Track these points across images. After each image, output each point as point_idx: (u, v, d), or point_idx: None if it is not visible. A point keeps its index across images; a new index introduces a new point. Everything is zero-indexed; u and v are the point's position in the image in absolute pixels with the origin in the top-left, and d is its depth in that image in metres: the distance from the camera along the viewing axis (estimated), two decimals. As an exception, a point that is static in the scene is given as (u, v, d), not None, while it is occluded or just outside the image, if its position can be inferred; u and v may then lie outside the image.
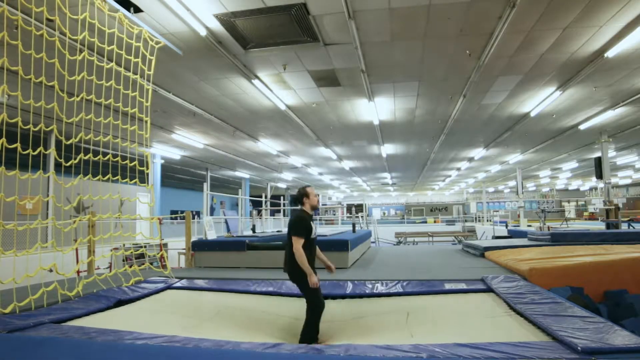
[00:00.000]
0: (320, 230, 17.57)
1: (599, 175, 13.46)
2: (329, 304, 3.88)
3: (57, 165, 10.83)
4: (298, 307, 4.07)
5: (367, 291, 4.45)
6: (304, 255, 3.38)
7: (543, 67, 7.90)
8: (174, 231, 14.87)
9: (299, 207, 3.75)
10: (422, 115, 11.54)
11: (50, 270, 3.86)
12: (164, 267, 6.81)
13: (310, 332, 3.41)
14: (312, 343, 3.34)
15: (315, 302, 3.45)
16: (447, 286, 4.44)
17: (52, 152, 8.43)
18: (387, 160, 19.76)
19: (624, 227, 12.16)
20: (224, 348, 2.43)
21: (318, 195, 3.84)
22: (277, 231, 12.41)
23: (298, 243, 3.41)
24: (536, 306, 3.21)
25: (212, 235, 7.60)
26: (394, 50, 7.06)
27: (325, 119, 11.72)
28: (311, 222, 3.59)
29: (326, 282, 4.69)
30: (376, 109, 10.57)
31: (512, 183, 31.52)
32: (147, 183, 5.42)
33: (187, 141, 13.95)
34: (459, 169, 23.90)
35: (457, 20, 6.04)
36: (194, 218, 11.43)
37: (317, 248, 3.79)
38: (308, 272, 3.37)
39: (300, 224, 3.51)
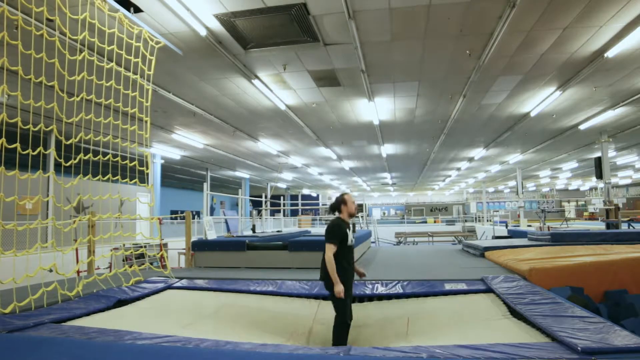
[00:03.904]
0: (320, 230, 17.54)
1: (599, 175, 13.46)
2: (329, 306, 3.89)
3: (57, 165, 10.84)
4: (298, 306, 4.07)
5: (367, 292, 4.45)
6: (334, 263, 3.38)
7: (543, 67, 7.90)
8: (174, 231, 14.86)
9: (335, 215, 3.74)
10: (422, 115, 11.53)
11: (50, 270, 3.86)
12: (164, 267, 6.80)
13: (337, 345, 3.40)
14: None
15: (341, 312, 3.44)
16: (447, 286, 4.44)
17: (52, 152, 8.44)
18: (387, 160, 19.76)
19: (624, 227, 12.17)
20: (223, 348, 2.43)
21: (355, 202, 3.81)
22: (277, 231, 12.42)
23: (330, 250, 3.42)
24: (536, 306, 3.21)
25: (212, 235, 7.60)
26: (394, 50, 7.05)
27: (325, 119, 11.72)
28: (347, 230, 3.58)
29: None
30: (376, 109, 10.57)
31: (512, 183, 31.53)
32: (147, 183, 5.42)
33: (187, 141, 13.95)
34: (459, 169, 23.90)
35: (457, 20, 6.04)
36: (194, 218, 11.43)
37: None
38: (335, 281, 3.36)
39: (336, 231, 3.51)
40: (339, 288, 3.34)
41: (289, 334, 3.52)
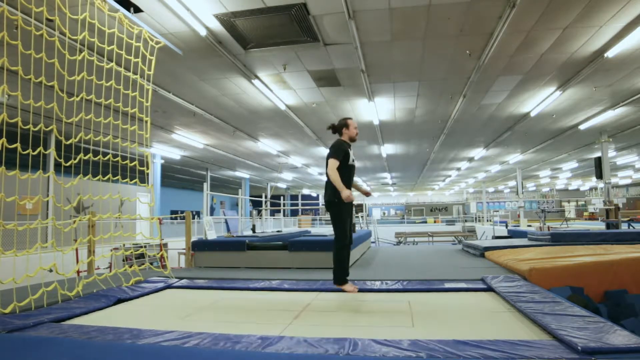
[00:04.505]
0: (320, 230, 17.54)
1: (599, 175, 13.47)
2: (328, 296, 3.89)
3: (57, 165, 10.84)
4: (296, 297, 4.08)
5: (366, 288, 4.45)
6: (337, 174, 3.46)
7: (543, 67, 7.90)
8: (174, 231, 14.87)
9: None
10: (422, 115, 11.54)
11: (50, 270, 3.86)
12: (164, 267, 6.81)
13: (338, 271, 3.48)
14: (342, 284, 3.50)
15: (340, 233, 3.51)
16: (447, 286, 4.44)
17: (52, 152, 8.44)
18: (387, 160, 19.76)
19: (624, 227, 12.16)
20: (224, 348, 2.43)
21: (357, 128, 3.93)
22: (277, 231, 12.42)
23: (333, 164, 3.51)
24: (536, 305, 3.21)
25: (212, 235, 7.60)
26: (394, 50, 7.06)
27: (325, 119, 11.72)
28: (349, 150, 3.69)
29: (327, 281, 4.70)
30: (376, 109, 10.58)
31: (512, 183, 31.53)
32: (147, 183, 5.42)
33: (187, 141, 13.95)
34: (459, 169, 23.91)
35: (457, 20, 6.04)
36: (194, 218, 11.44)
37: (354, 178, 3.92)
38: (340, 188, 3.43)
39: (338, 148, 3.62)
40: (346, 193, 3.41)
41: (282, 311, 3.56)
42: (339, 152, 3.59)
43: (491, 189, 39.07)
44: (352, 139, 3.82)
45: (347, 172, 3.58)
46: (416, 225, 28.48)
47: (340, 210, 3.52)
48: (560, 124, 12.81)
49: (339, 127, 3.81)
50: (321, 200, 38.71)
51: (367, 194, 4.45)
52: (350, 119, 3.86)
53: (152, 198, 13.36)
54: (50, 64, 3.87)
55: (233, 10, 5.68)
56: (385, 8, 5.68)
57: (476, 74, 8.05)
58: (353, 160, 3.73)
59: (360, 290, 4.36)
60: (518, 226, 15.79)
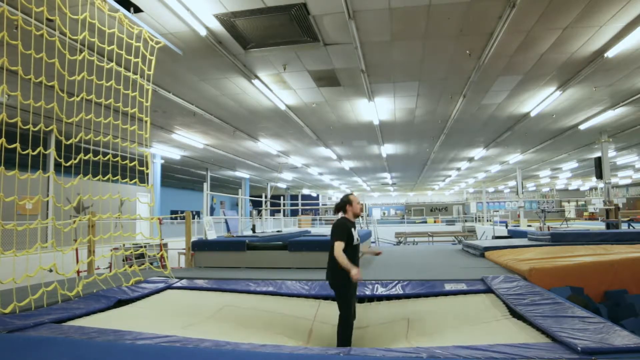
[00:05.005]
0: (320, 230, 17.53)
1: (599, 175, 13.47)
2: (329, 306, 3.88)
3: (57, 165, 10.83)
4: (298, 307, 4.07)
5: (367, 292, 4.45)
6: (344, 255, 3.41)
7: (543, 67, 7.89)
8: (174, 231, 14.85)
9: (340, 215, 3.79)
10: (422, 115, 11.53)
11: (50, 270, 3.86)
12: (164, 267, 6.80)
13: (342, 345, 3.41)
14: None
15: (345, 312, 3.48)
16: (447, 287, 4.44)
17: (52, 152, 8.44)
18: (387, 160, 19.75)
19: (624, 227, 12.16)
20: (223, 348, 2.43)
21: (361, 203, 3.87)
22: (277, 231, 12.42)
23: (339, 246, 3.46)
24: (536, 307, 3.21)
25: (212, 235, 7.60)
26: (394, 50, 7.05)
27: (325, 119, 11.72)
28: (352, 230, 3.63)
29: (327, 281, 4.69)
30: (376, 109, 10.57)
31: (512, 183, 31.52)
32: (147, 183, 5.42)
33: (187, 141, 13.95)
34: (459, 169, 23.90)
35: (457, 20, 6.04)
36: (194, 218, 11.43)
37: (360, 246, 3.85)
38: (348, 268, 3.37)
39: (341, 229, 3.55)
40: (355, 271, 3.36)
41: (289, 333, 3.52)
42: (343, 234, 3.53)
43: (491, 189, 39.05)
44: (357, 215, 3.79)
45: (351, 252, 3.55)
46: (416, 225, 28.44)
47: (346, 292, 3.49)
48: (560, 124, 12.80)
49: (342, 205, 3.77)
50: (321, 201, 38.72)
51: (377, 253, 4.59)
52: (352, 194, 3.83)
53: (152, 198, 13.36)
54: (51, 64, 3.87)
55: (233, 10, 5.67)
56: (385, 8, 5.68)
57: (476, 74, 8.04)
58: (357, 240, 3.70)
59: (361, 299, 4.35)
60: (518, 226, 15.79)
